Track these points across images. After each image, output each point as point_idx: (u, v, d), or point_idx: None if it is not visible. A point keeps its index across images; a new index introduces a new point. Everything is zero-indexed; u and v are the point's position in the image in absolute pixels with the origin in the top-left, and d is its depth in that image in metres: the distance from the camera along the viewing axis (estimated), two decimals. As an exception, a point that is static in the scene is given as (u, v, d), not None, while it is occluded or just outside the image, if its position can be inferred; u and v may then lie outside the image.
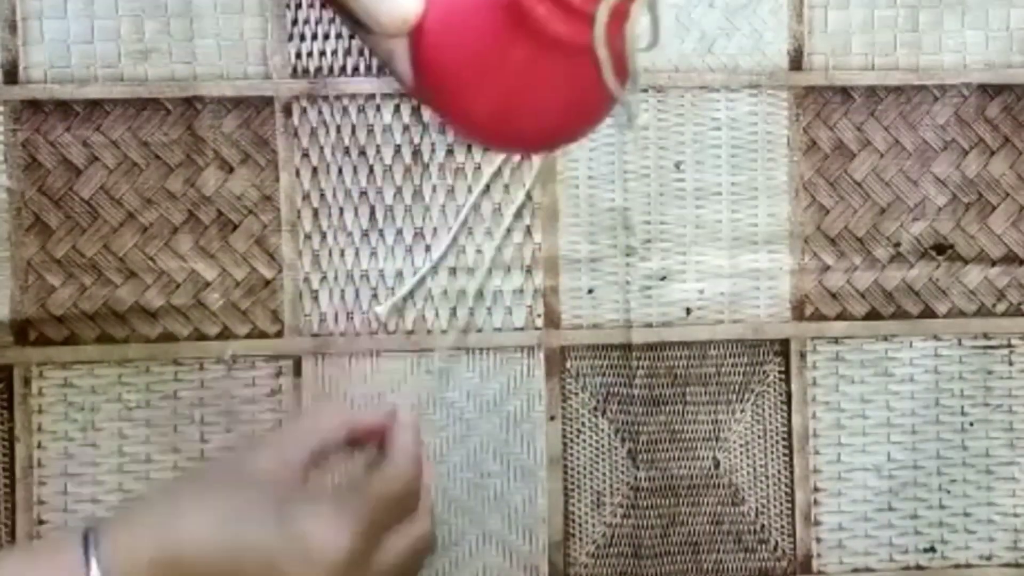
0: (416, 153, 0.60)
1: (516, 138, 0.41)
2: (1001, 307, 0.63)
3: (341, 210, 0.60)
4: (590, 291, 0.61)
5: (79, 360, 0.59)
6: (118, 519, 0.47)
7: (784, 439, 0.62)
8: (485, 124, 0.39)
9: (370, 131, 0.60)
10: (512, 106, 0.38)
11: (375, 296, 0.60)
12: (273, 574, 0.45)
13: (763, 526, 0.62)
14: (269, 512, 0.46)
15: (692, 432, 0.62)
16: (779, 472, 0.62)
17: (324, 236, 0.60)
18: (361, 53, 0.60)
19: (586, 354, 0.61)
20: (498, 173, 0.61)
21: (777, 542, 0.62)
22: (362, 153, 0.60)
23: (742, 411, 0.62)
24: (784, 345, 0.62)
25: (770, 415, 0.62)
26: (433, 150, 0.60)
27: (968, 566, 0.63)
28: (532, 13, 0.34)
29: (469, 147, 0.61)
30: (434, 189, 0.60)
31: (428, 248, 0.60)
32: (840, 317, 0.62)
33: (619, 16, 0.35)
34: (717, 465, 0.62)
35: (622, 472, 0.62)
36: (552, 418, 0.61)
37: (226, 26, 0.59)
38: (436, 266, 0.61)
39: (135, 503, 0.50)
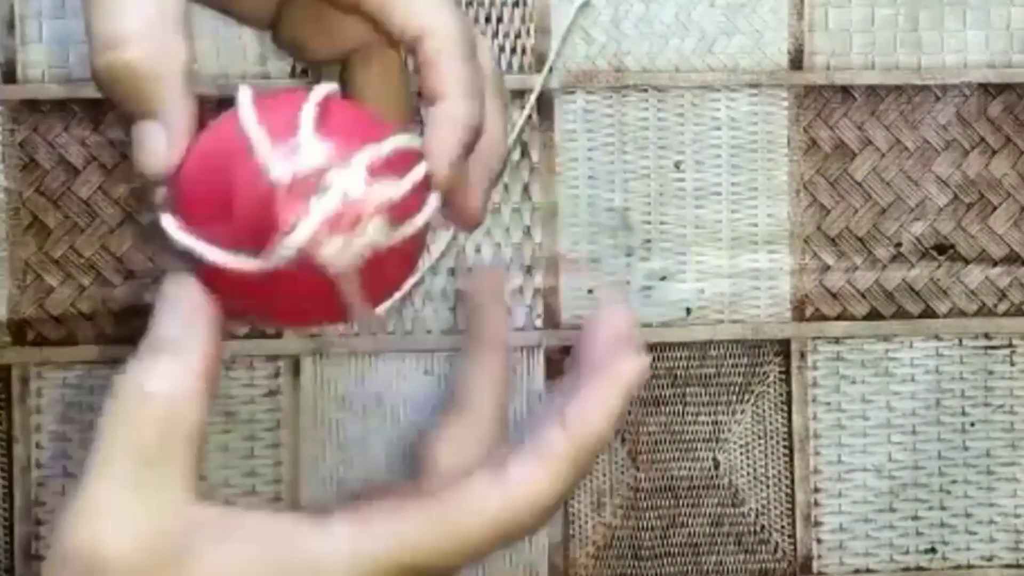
0: (415, 153, 0.60)
1: (252, 315, 0.41)
2: (1002, 307, 0.63)
3: (340, 210, 0.60)
4: (590, 291, 0.61)
5: (77, 360, 0.59)
6: None
7: (784, 440, 0.62)
8: (222, 296, 0.38)
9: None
10: (248, 294, 0.36)
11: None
12: None
13: (763, 527, 0.62)
14: None
15: (692, 433, 0.62)
16: (779, 473, 0.62)
17: (323, 236, 0.60)
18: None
19: (586, 354, 0.61)
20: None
21: (777, 543, 0.62)
22: (361, 153, 0.60)
23: (742, 411, 0.62)
24: (784, 345, 0.62)
25: (770, 415, 0.62)
26: (432, 150, 0.60)
27: (969, 567, 0.63)
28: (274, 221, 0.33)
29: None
30: (433, 189, 0.60)
31: (428, 248, 0.60)
32: (840, 317, 0.62)
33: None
34: (717, 466, 0.62)
35: (622, 473, 0.62)
36: (552, 418, 0.61)
37: (225, 26, 0.59)
38: (435, 266, 0.60)
39: None
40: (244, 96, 0.34)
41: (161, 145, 0.34)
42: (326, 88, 0.35)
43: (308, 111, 0.34)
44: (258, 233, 0.33)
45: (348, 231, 0.32)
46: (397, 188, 0.33)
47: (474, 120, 0.36)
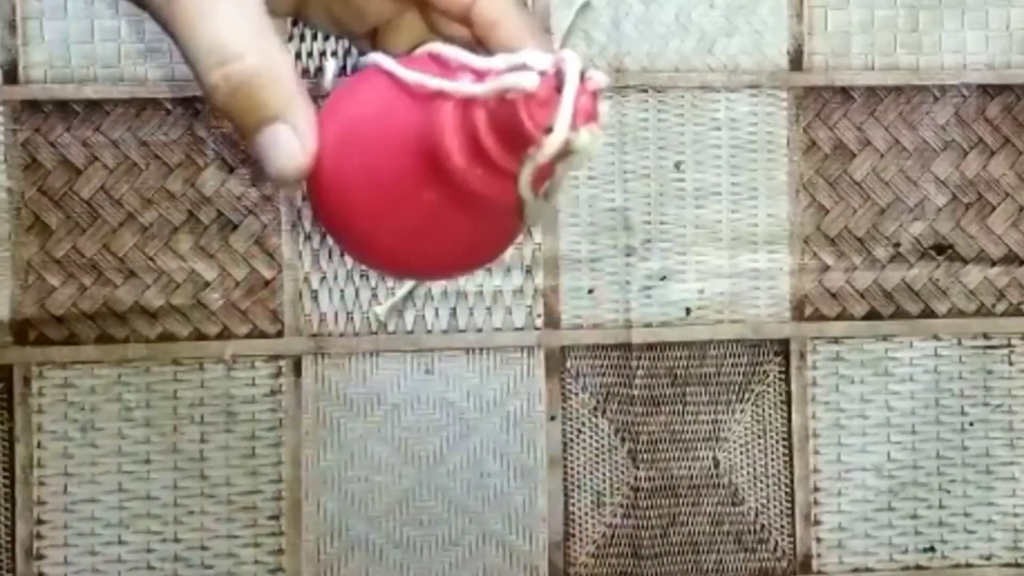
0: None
1: (413, 271, 0.40)
2: (1001, 307, 0.63)
3: (341, 210, 0.60)
4: (590, 291, 0.61)
5: (79, 360, 0.59)
6: None
7: (784, 439, 0.62)
8: (383, 257, 0.37)
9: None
10: (414, 244, 0.36)
11: (375, 296, 0.60)
12: None
13: (763, 526, 0.62)
14: None
15: (692, 432, 0.62)
16: (779, 472, 0.62)
17: (324, 236, 0.60)
18: (362, 53, 0.60)
19: (586, 354, 0.61)
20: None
21: (777, 542, 0.62)
22: (362, 153, 0.60)
23: (742, 411, 0.62)
24: (784, 345, 0.62)
25: (770, 415, 0.62)
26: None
27: (968, 566, 0.63)
28: (450, 165, 0.33)
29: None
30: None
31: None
32: (840, 317, 0.62)
33: (542, 175, 0.33)
34: (717, 465, 0.62)
35: (622, 472, 0.62)
36: (552, 418, 0.61)
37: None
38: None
39: None
40: (385, 60, 0.35)
41: (295, 145, 0.35)
42: (428, 46, 0.36)
43: (453, 51, 0.34)
44: (477, 156, 0.33)
45: (590, 119, 0.33)
46: (601, 76, 0.33)
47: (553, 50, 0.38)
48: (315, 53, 0.60)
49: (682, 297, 0.62)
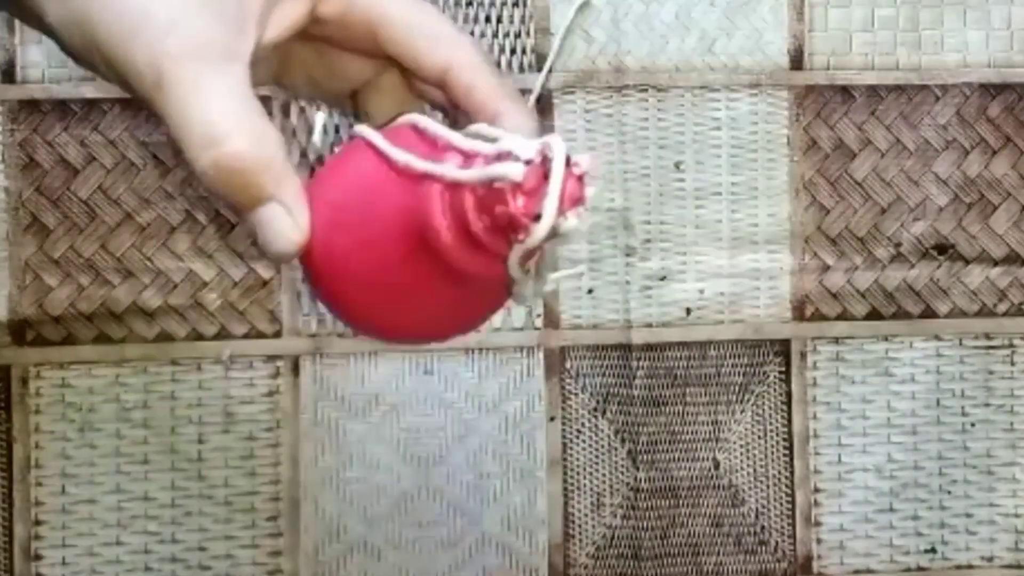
0: (415, 153, 0.60)
1: (407, 338, 0.41)
2: (1002, 307, 0.63)
3: (340, 210, 0.60)
4: (590, 291, 0.61)
5: (77, 360, 0.59)
6: None
7: (784, 440, 0.62)
8: (377, 327, 0.39)
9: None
10: (406, 314, 0.37)
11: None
12: None
13: (763, 527, 0.62)
14: None
15: (692, 433, 0.62)
16: (779, 473, 0.62)
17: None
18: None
19: (586, 354, 0.61)
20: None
21: (777, 543, 0.62)
22: (361, 153, 0.59)
23: (742, 412, 0.62)
24: (784, 345, 0.62)
25: (770, 415, 0.62)
26: (432, 150, 0.60)
27: (969, 567, 0.63)
28: (439, 245, 0.33)
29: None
30: (433, 189, 0.60)
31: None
32: (841, 317, 0.62)
33: (530, 255, 0.34)
34: (717, 466, 0.62)
35: (622, 473, 0.62)
36: (552, 419, 0.61)
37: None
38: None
39: None
40: (373, 135, 0.36)
41: (289, 224, 0.35)
42: (413, 117, 0.37)
43: (444, 130, 0.35)
44: (466, 238, 0.34)
45: (577, 203, 0.34)
46: (586, 160, 0.35)
47: (532, 117, 0.39)
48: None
49: (682, 297, 0.62)
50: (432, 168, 0.33)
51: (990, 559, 0.63)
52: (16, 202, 0.59)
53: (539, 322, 0.61)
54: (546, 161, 0.33)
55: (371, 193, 0.35)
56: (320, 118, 0.41)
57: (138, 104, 0.59)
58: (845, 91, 0.62)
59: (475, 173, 0.33)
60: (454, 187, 0.33)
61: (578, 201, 0.33)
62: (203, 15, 0.35)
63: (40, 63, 0.59)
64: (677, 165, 0.62)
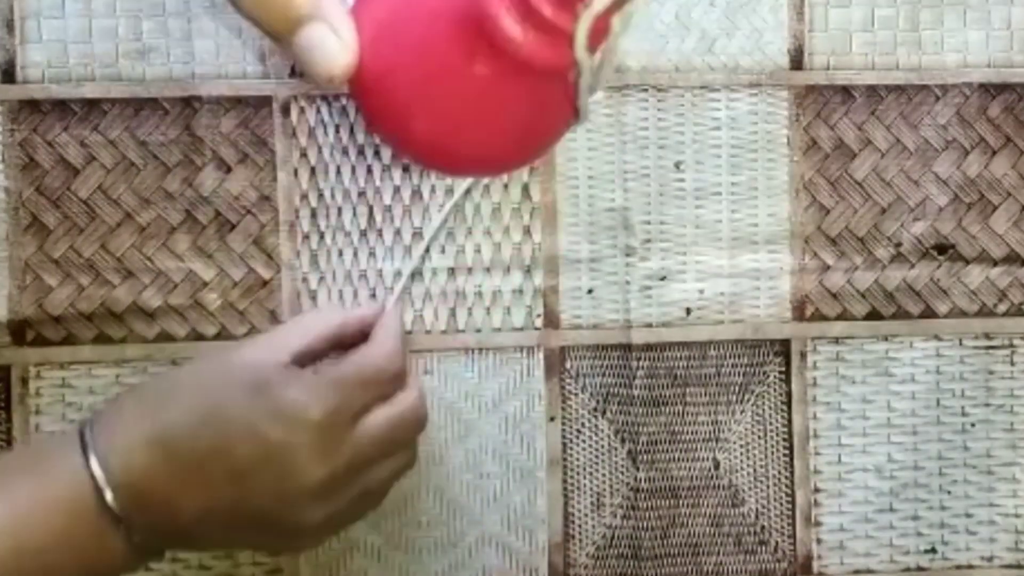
0: (415, 153, 0.60)
1: (465, 164, 0.38)
2: (1003, 307, 0.63)
3: (339, 210, 0.60)
4: (590, 291, 0.61)
5: (77, 360, 0.59)
6: (110, 407, 0.48)
7: (784, 440, 0.62)
8: (435, 149, 0.36)
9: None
10: (467, 129, 0.34)
11: (373, 296, 0.60)
12: (256, 439, 0.47)
13: (763, 527, 0.62)
14: (250, 387, 0.48)
15: (692, 433, 0.62)
16: (779, 473, 0.62)
17: (322, 236, 0.60)
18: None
19: (586, 354, 0.61)
20: (497, 173, 0.61)
21: (777, 543, 0.62)
22: (360, 153, 0.59)
23: (742, 412, 0.62)
24: (784, 345, 0.62)
25: (770, 416, 0.62)
26: (432, 150, 0.60)
27: (969, 567, 0.63)
28: (501, 32, 0.31)
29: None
30: (433, 189, 0.60)
31: (428, 248, 0.60)
32: (841, 317, 0.62)
33: (597, 34, 0.32)
34: (717, 466, 0.62)
35: (622, 473, 0.62)
36: (552, 419, 0.61)
37: (224, 26, 0.59)
38: (420, 266, 0.60)
39: (126, 393, 0.51)
40: None
41: (335, 43, 0.34)
42: None
43: None
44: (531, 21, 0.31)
45: None
46: None
47: None
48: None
49: (682, 297, 0.62)
50: None
51: (990, 559, 0.63)
52: (16, 202, 0.59)
53: (539, 322, 0.61)
54: None
55: None
56: None
57: (138, 104, 0.59)
58: (845, 91, 0.62)
59: None
60: None
61: None
62: None
63: (40, 63, 0.59)
64: (677, 165, 0.62)
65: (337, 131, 0.59)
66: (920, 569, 0.63)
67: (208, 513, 0.47)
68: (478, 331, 0.61)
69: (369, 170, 0.60)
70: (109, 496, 0.45)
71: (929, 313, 0.62)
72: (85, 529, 0.45)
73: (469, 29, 0.31)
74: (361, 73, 0.34)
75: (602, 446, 0.61)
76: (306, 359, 0.51)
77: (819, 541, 0.62)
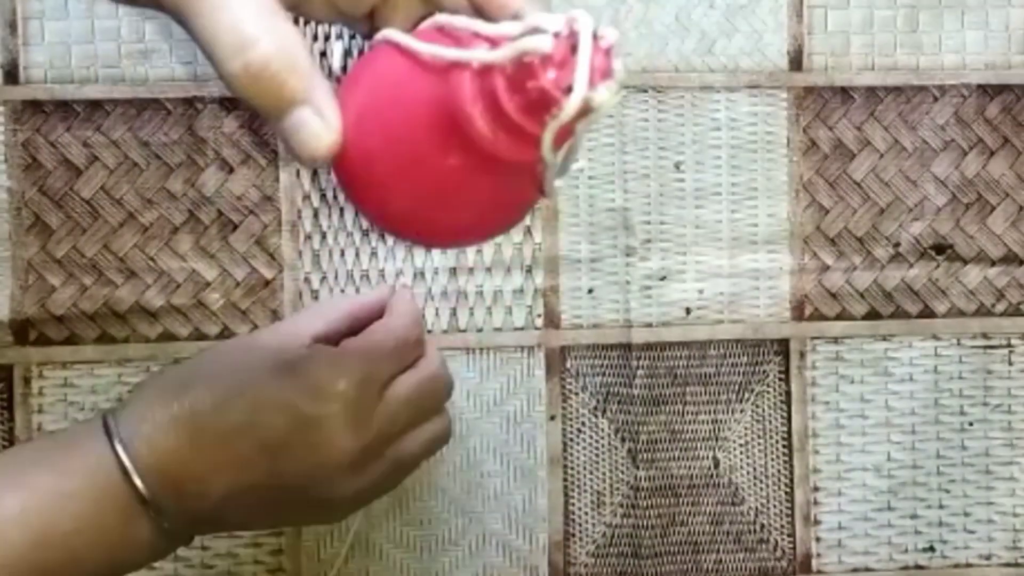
0: (416, 153, 0.60)
1: (439, 239, 0.41)
2: (1000, 307, 0.63)
3: (342, 210, 0.60)
4: (590, 291, 0.61)
5: (79, 360, 0.59)
6: (133, 394, 0.48)
7: (784, 439, 0.62)
8: (410, 226, 0.38)
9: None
10: (439, 211, 0.37)
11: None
12: (286, 415, 0.47)
13: (763, 526, 0.62)
14: (276, 366, 0.48)
15: (692, 432, 0.62)
16: (779, 472, 0.62)
17: (324, 236, 0.60)
18: (362, 52, 0.60)
19: (586, 354, 0.61)
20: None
21: (777, 542, 0.63)
22: (362, 153, 0.60)
23: (742, 411, 0.62)
24: (784, 345, 0.62)
25: (770, 415, 0.62)
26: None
27: (968, 566, 0.63)
28: (474, 132, 0.33)
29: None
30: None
31: (428, 248, 0.60)
32: (840, 317, 0.62)
33: (562, 135, 0.34)
34: (717, 465, 0.62)
35: (622, 472, 0.62)
36: (552, 418, 0.61)
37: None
38: (435, 267, 0.61)
39: (147, 379, 0.51)
40: (398, 35, 0.35)
41: (320, 127, 0.35)
42: (432, 19, 0.36)
43: (460, 21, 0.35)
44: (500, 123, 0.33)
45: (607, 76, 0.33)
46: (612, 32, 0.34)
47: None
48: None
49: (682, 297, 0.62)
50: (460, 55, 0.33)
51: (988, 558, 0.63)
52: (19, 202, 0.59)
53: (539, 322, 0.61)
54: (573, 34, 0.32)
55: (400, 89, 0.35)
56: (338, 47, 0.40)
57: (140, 104, 0.59)
58: (844, 92, 0.62)
59: (503, 52, 0.32)
60: (484, 71, 0.33)
61: (607, 74, 0.33)
62: None
63: (43, 64, 0.59)
64: (677, 165, 0.62)
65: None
66: (918, 567, 0.63)
67: (238, 491, 0.46)
68: (479, 331, 0.61)
69: (371, 170, 0.60)
70: (138, 481, 0.45)
71: (927, 313, 0.63)
72: (113, 517, 0.44)
73: (445, 123, 0.34)
74: (343, 154, 0.36)
75: (602, 445, 0.62)
76: (327, 341, 0.51)
77: (818, 539, 0.63)
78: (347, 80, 0.37)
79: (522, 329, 0.61)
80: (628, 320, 0.61)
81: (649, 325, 0.62)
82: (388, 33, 0.36)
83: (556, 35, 0.32)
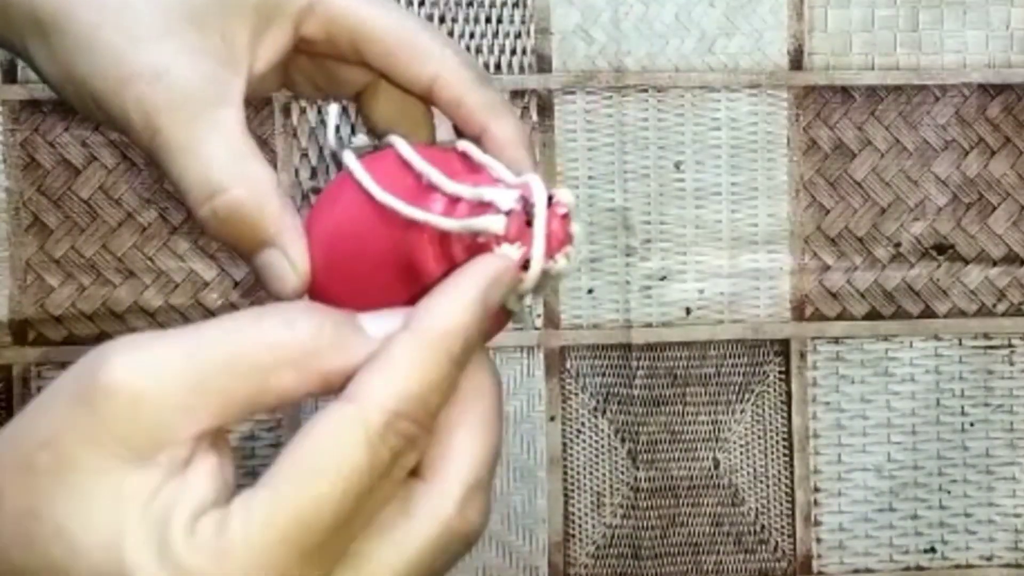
0: (415, 153, 0.60)
1: None
2: (1001, 307, 0.63)
3: (340, 210, 0.60)
4: (590, 291, 0.61)
5: (78, 360, 0.59)
6: None
7: (784, 439, 0.62)
8: None
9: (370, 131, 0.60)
10: None
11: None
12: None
13: (763, 527, 0.62)
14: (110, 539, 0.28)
15: (692, 432, 0.62)
16: (779, 472, 0.62)
17: (323, 236, 0.60)
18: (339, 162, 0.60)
19: (586, 354, 0.61)
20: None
21: (777, 543, 0.62)
22: (361, 153, 0.60)
23: (742, 411, 0.62)
24: (784, 345, 0.62)
25: (770, 415, 0.62)
26: (432, 150, 0.60)
27: (969, 566, 0.63)
28: (430, 277, 0.33)
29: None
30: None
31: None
32: (840, 317, 0.62)
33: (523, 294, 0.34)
34: (717, 465, 0.62)
35: (622, 472, 0.62)
36: (552, 418, 0.61)
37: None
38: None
39: None
40: (360, 172, 0.36)
41: (287, 270, 0.36)
42: (401, 141, 0.36)
43: (428, 167, 0.35)
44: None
45: (564, 244, 0.33)
46: (567, 196, 0.34)
47: (521, 129, 0.38)
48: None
49: (682, 297, 0.62)
50: (417, 216, 0.33)
51: (989, 558, 0.63)
52: (17, 202, 0.59)
53: (539, 322, 0.61)
54: (528, 206, 0.32)
55: (362, 237, 0.35)
56: (333, 111, 0.41)
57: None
58: (845, 91, 0.62)
59: (459, 224, 0.32)
60: (442, 234, 0.33)
61: (564, 241, 0.33)
62: (192, 59, 0.35)
63: (41, 63, 0.59)
64: (677, 165, 0.62)
65: (338, 132, 0.59)
66: (919, 568, 0.63)
67: None
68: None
69: (370, 170, 0.60)
70: None
71: (928, 313, 0.63)
72: None
73: (408, 272, 0.34)
74: (311, 291, 0.36)
75: (602, 446, 0.62)
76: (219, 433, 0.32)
77: (819, 540, 0.63)
78: (313, 212, 0.37)
79: (522, 329, 0.61)
80: (628, 320, 0.61)
81: (649, 325, 0.62)
82: (349, 162, 0.36)
83: (510, 212, 0.32)
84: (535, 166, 0.37)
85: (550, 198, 0.33)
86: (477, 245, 0.33)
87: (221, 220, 0.35)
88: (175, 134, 0.34)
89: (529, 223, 0.32)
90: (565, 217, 0.33)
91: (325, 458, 0.29)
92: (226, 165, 0.35)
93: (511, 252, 0.32)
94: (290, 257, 0.35)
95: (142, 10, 0.34)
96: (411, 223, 0.34)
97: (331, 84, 0.41)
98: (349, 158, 0.36)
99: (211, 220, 0.35)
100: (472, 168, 0.36)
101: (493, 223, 0.32)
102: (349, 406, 0.30)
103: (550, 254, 0.33)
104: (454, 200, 0.33)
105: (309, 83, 0.41)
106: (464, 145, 0.36)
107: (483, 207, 0.33)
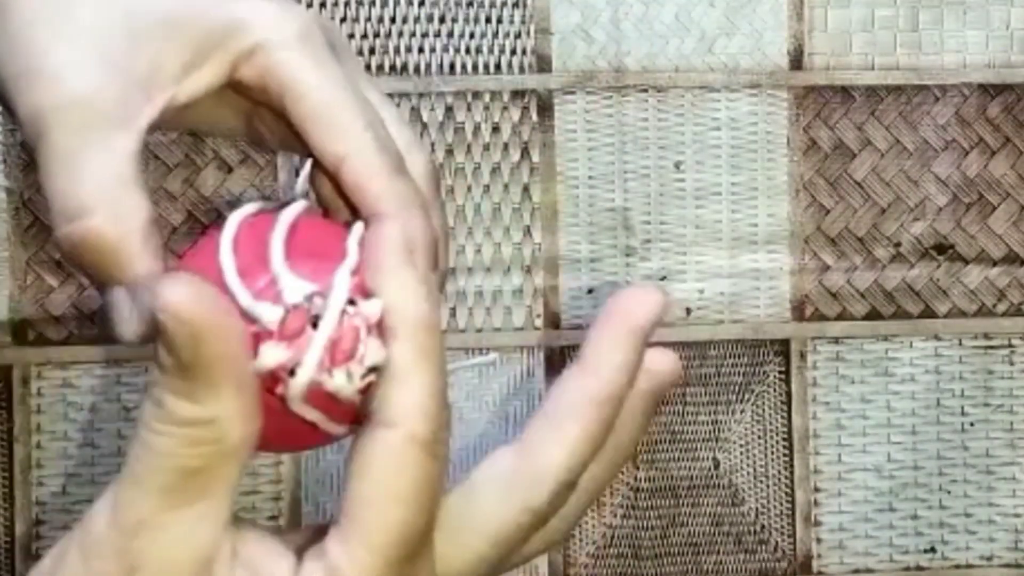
0: (415, 153, 0.60)
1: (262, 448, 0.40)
2: (1002, 307, 0.63)
3: (340, 210, 0.60)
4: (590, 291, 0.61)
5: (78, 360, 0.59)
6: None
7: (784, 439, 0.62)
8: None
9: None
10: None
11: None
12: None
13: (763, 527, 0.62)
14: None
15: (692, 432, 0.62)
16: (779, 472, 0.62)
17: (323, 236, 0.60)
18: (360, 53, 0.60)
19: (586, 354, 0.61)
20: (497, 172, 0.61)
21: (777, 542, 0.62)
22: (361, 153, 0.60)
23: (742, 411, 0.62)
24: (784, 345, 0.62)
25: (770, 415, 0.62)
26: (432, 149, 0.60)
27: (969, 566, 0.63)
28: (329, 435, 0.31)
29: (469, 147, 0.61)
30: (433, 189, 0.60)
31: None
32: (840, 317, 0.62)
33: (345, 412, 0.31)
34: (717, 465, 0.62)
35: (622, 472, 0.62)
36: (552, 418, 0.61)
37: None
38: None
39: None
40: (225, 241, 0.33)
41: (126, 315, 0.34)
42: (295, 208, 0.34)
43: (277, 241, 0.32)
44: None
45: (348, 359, 0.30)
46: (376, 307, 0.31)
47: (417, 231, 0.35)
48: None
49: (682, 297, 0.62)
50: (237, 303, 0.30)
51: (989, 558, 0.63)
52: (17, 202, 0.59)
53: (539, 322, 0.61)
54: (315, 305, 0.29)
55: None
56: (309, 162, 0.38)
57: (139, 104, 0.59)
58: (845, 91, 0.62)
59: (246, 303, 0.30)
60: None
61: (351, 356, 0.29)
62: (100, 69, 0.33)
63: (41, 63, 0.59)
64: (677, 165, 0.62)
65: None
66: (919, 568, 0.63)
67: None
68: (479, 331, 0.61)
69: (370, 170, 0.60)
70: None
71: (928, 313, 0.63)
72: None
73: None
74: None
75: (602, 446, 0.62)
76: None
77: (819, 540, 0.63)
78: (183, 261, 0.35)
79: (522, 329, 0.61)
80: (628, 320, 0.61)
81: (649, 325, 0.61)
82: (226, 228, 0.33)
83: (293, 307, 0.29)
84: (416, 275, 0.32)
85: (351, 302, 0.29)
86: (253, 342, 0.29)
87: (74, 245, 0.32)
88: (56, 144, 0.32)
89: (315, 325, 0.29)
90: (373, 329, 0.29)
91: (394, 481, 0.30)
92: (99, 190, 0.32)
93: (273, 352, 0.29)
94: (135, 303, 0.33)
95: (82, 16, 0.33)
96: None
97: (292, 140, 0.38)
98: (231, 222, 0.33)
99: (62, 242, 0.32)
100: (332, 254, 0.32)
101: (268, 313, 0.29)
102: (391, 431, 0.30)
103: (330, 365, 0.29)
104: (272, 285, 0.30)
105: (275, 138, 0.39)
106: (356, 227, 0.33)
107: (262, 296, 0.30)
